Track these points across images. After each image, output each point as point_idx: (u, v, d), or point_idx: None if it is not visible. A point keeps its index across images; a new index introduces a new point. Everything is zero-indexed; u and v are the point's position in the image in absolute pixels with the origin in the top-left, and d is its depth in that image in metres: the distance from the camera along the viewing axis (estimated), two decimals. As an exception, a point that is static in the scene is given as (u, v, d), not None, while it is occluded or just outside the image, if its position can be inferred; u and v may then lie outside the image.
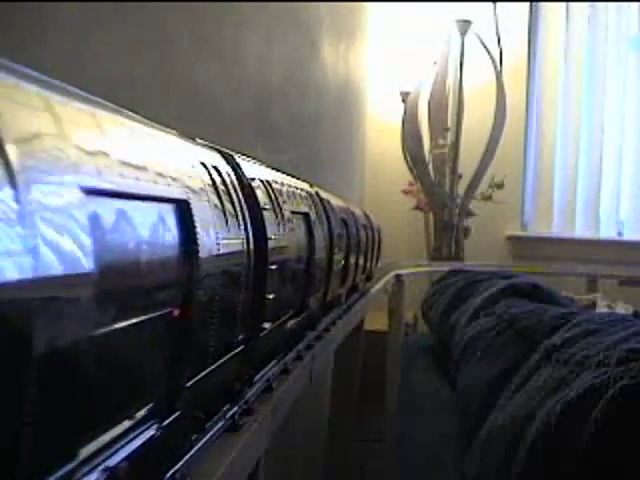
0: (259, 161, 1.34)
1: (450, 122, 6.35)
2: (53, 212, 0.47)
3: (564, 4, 6.90)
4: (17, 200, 0.43)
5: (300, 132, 3.51)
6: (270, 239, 1.14)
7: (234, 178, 1.05)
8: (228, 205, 0.96)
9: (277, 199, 1.29)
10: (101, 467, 0.58)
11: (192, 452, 0.88)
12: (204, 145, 1.03)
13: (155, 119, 0.81)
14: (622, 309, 3.80)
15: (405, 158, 6.40)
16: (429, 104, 6.30)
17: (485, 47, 6.37)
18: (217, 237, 0.87)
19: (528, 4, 6.88)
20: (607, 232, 6.90)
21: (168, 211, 0.72)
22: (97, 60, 1.49)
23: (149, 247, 0.65)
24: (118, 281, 0.58)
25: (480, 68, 6.41)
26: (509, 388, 1.83)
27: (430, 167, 6.37)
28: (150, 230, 0.66)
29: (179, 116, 1.78)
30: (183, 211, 0.76)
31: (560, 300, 2.85)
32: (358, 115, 5.95)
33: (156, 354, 0.71)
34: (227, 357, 0.95)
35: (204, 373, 0.85)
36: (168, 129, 0.85)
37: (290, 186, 1.53)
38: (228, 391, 1.08)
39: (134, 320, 0.63)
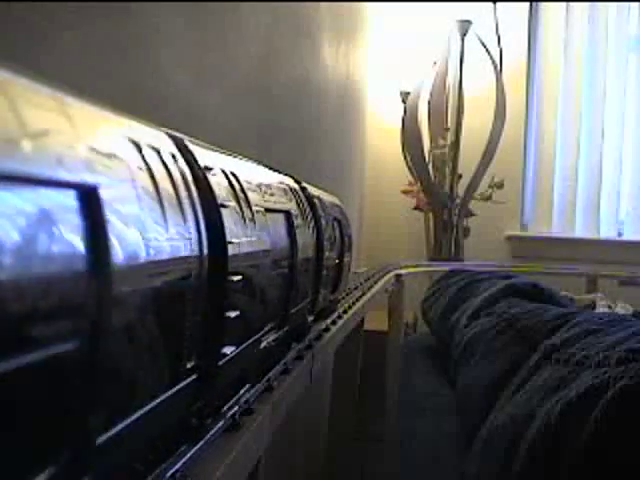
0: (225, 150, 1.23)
1: (450, 122, 6.35)
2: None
3: (564, 4, 6.90)
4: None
5: (300, 132, 3.52)
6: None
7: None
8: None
9: (244, 192, 1.21)
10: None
11: (192, 452, 0.88)
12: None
13: (152, 121, 0.81)
14: (622, 309, 3.80)
15: (405, 158, 6.40)
16: (429, 104, 6.30)
17: (485, 47, 6.37)
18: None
19: (528, 4, 6.88)
20: (607, 232, 6.90)
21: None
22: (97, 60, 1.49)
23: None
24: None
25: (480, 68, 6.41)
26: (509, 388, 1.83)
27: (430, 167, 6.37)
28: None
29: (178, 117, 1.79)
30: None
31: (560, 300, 2.85)
32: (358, 115, 5.95)
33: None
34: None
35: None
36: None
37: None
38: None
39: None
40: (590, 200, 6.90)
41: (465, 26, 6.35)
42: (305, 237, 1.44)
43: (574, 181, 6.91)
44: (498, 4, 6.55)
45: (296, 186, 1.58)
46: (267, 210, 1.11)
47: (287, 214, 1.32)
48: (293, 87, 3.34)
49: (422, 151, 6.31)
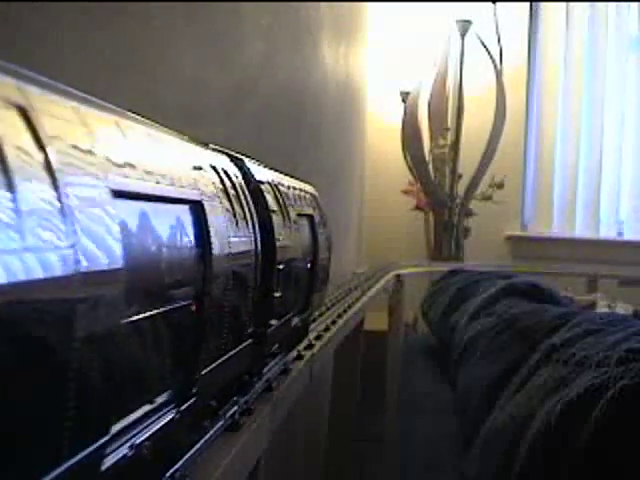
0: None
1: (450, 122, 6.35)
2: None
3: (564, 4, 6.90)
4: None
5: (300, 132, 3.51)
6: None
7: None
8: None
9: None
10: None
11: (192, 452, 0.88)
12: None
13: (158, 120, 0.81)
14: (622, 309, 3.80)
15: (405, 158, 6.40)
16: (429, 104, 6.31)
17: (485, 47, 6.37)
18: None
19: (528, 4, 6.89)
20: (607, 232, 6.91)
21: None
22: (97, 60, 1.49)
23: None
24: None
25: (480, 68, 6.41)
26: (509, 388, 1.83)
27: (430, 167, 6.38)
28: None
29: (179, 116, 1.78)
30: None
31: (560, 300, 2.85)
32: (358, 115, 5.94)
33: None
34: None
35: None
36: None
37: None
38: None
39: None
40: (590, 200, 6.90)
41: (465, 26, 6.35)
42: (234, 242, 0.91)
43: (574, 181, 6.92)
44: (498, 4, 6.55)
45: (231, 168, 1.03)
46: (126, 195, 0.59)
47: (195, 205, 0.78)
48: (293, 87, 3.34)
49: (422, 151, 6.32)
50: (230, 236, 0.90)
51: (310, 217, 1.54)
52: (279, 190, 1.28)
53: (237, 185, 1.02)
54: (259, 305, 1.05)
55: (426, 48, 6.46)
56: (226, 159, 1.06)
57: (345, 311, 2.50)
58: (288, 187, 1.39)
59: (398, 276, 4.65)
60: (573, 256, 6.46)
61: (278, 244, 1.14)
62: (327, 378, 3.13)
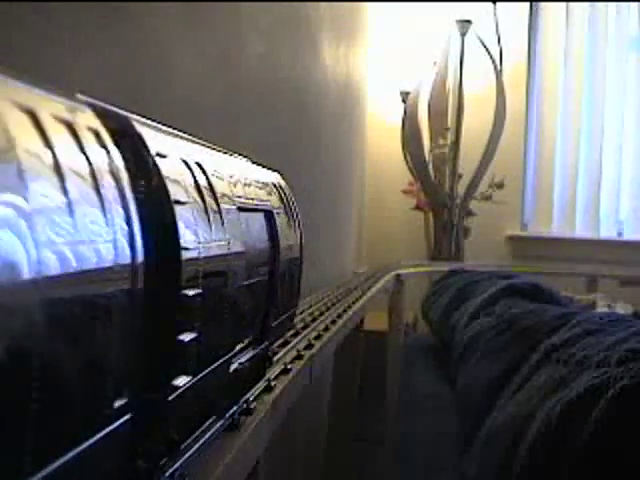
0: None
1: (450, 122, 6.35)
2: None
3: (564, 4, 6.90)
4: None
5: (300, 132, 3.51)
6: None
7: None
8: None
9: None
10: None
11: (191, 451, 0.88)
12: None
13: (153, 119, 0.81)
14: (622, 309, 3.80)
15: (405, 158, 6.40)
16: (429, 104, 6.30)
17: (485, 47, 6.37)
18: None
19: (528, 4, 6.89)
20: (607, 232, 6.91)
21: None
22: (97, 60, 1.49)
23: None
24: None
25: (480, 68, 6.41)
26: (509, 388, 1.83)
27: (430, 167, 6.38)
28: None
29: (179, 117, 1.78)
30: None
31: (560, 300, 2.85)
32: (358, 115, 5.95)
33: None
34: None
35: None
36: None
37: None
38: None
39: None
40: (590, 200, 6.90)
41: (465, 26, 6.35)
42: (72, 253, 0.41)
43: (574, 181, 6.92)
44: (498, 4, 6.55)
45: (96, 129, 0.51)
46: None
47: None
48: (293, 87, 3.34)
49: (422, 151, 6.31)
50: (60, 242, 0.42)
51: (268, 213, 1.05)
52: (206, 174, 0.75)
53: (100, 157, 0.52)
54: (148, 359, 0.58)
55: (426, 48, 6.46)
56: (91, 115, 0.53)
57: (345, 311, 2.49)
58: (227, 171, 0.84)
59: (398, 276, 4.65)
60: (573, 256, 6.46)
61: (187, 255, 0.61)
62: (327, 378, 3.13)
